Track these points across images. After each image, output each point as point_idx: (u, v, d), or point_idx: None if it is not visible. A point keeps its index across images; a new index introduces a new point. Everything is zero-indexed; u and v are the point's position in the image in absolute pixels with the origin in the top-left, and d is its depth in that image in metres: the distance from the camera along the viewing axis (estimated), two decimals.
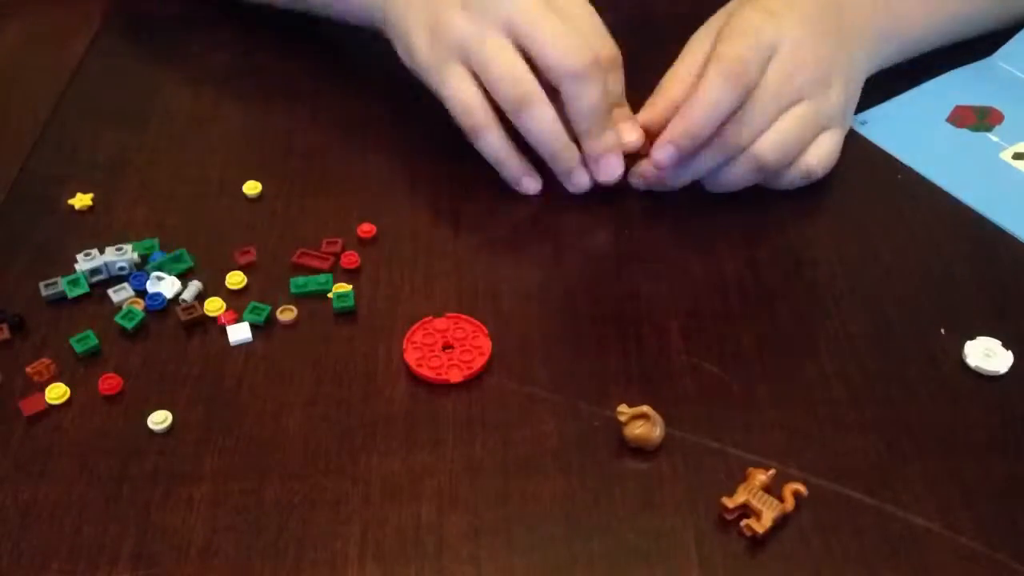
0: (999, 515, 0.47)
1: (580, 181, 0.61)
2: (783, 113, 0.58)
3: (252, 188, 0.63)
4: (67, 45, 0.76)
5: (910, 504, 0.47)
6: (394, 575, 0.45)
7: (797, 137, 0.59)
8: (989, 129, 0.67)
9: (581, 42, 0.57)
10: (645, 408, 0.49)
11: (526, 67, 0.57)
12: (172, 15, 0.78)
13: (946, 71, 0.71)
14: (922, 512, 0.47)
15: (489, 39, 0.57)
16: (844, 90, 0.61)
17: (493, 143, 0.60)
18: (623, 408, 0.49)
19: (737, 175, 0.59)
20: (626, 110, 0.61)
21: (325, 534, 0.46)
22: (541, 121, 0.58)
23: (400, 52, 0.63)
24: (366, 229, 0.60)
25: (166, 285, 0.56)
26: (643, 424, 0.49)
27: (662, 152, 0.57)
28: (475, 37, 0.58)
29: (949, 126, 0.67)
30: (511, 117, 0.59)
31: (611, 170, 0.60)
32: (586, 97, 0.57)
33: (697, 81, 0.57)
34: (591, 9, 0.61)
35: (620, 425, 0.49)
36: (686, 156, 0.58)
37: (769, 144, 0.58)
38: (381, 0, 0.64)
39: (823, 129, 0.60)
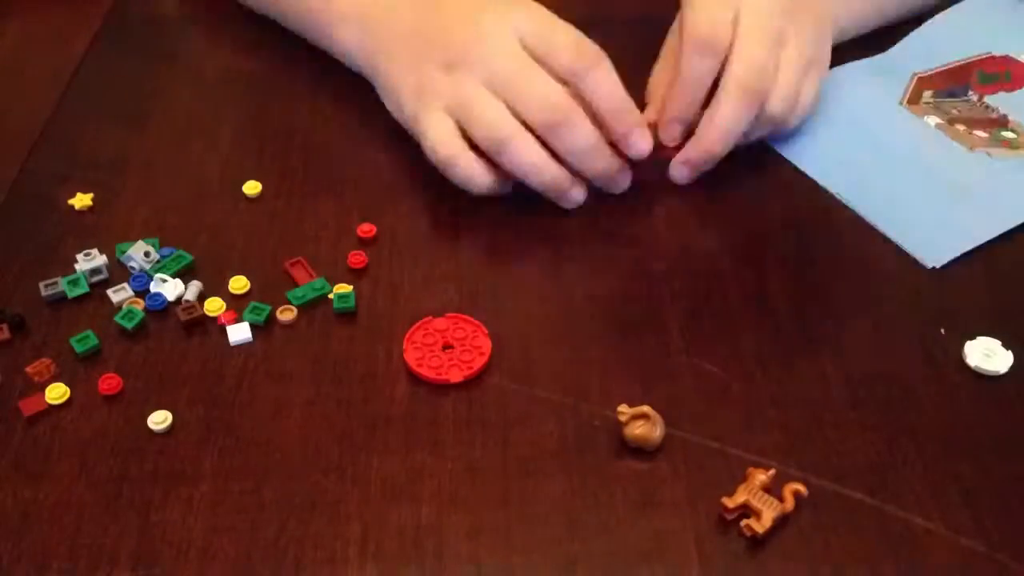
0: (999, 515, 0.47)
1: (576, 197, 0.61)
2: (778, 56, 0.60)
3: (252, 188, 0.63)
4: (67, 45, 0.76)
5: (910, 504, 0.47)
6: (394, 575, 0.45)
7: (796, 83, 0.61)
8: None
9: (559, 96, 0.57)
10: (645, 408, 0.49)
11: (507, 112, 0.57)
12: (172, 15, 0.78)
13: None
14: (922, 512, 0.47)
15: (473, 96, 0.58)
16: (816, 27, 0.63)
17: (471, 168, 0.59)
18: (623, 408, 0.49)
19: (758, 129, 0.62)
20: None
21: (325, 534, 0.46)
22: (526, 155, 0.58)
23: (389, 107, 0.65)
24: (366, 229, 0.60)
25: (169, 288, 0.56)
26: (643, 424, 0.49)
27: (670, 130, 0.61)
28: (458, 95, 0.58)
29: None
30: (494, 156, 0.59)
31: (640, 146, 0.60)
32: (568, 142, 0.58)
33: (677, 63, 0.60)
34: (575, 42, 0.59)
35: (620, 425, 0.49)
36: (688, 129, 0.61)
37: (778, 99, 0.60)
38: (371, 57, 0.65)
39: (808, 71, 0.62)
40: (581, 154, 0.59)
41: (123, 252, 0.58)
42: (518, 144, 0.58)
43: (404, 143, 0.67)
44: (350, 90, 0.71)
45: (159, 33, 0.78)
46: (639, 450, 0.49)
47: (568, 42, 0.58)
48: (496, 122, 0.58)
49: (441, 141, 0.59)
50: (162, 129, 0.69)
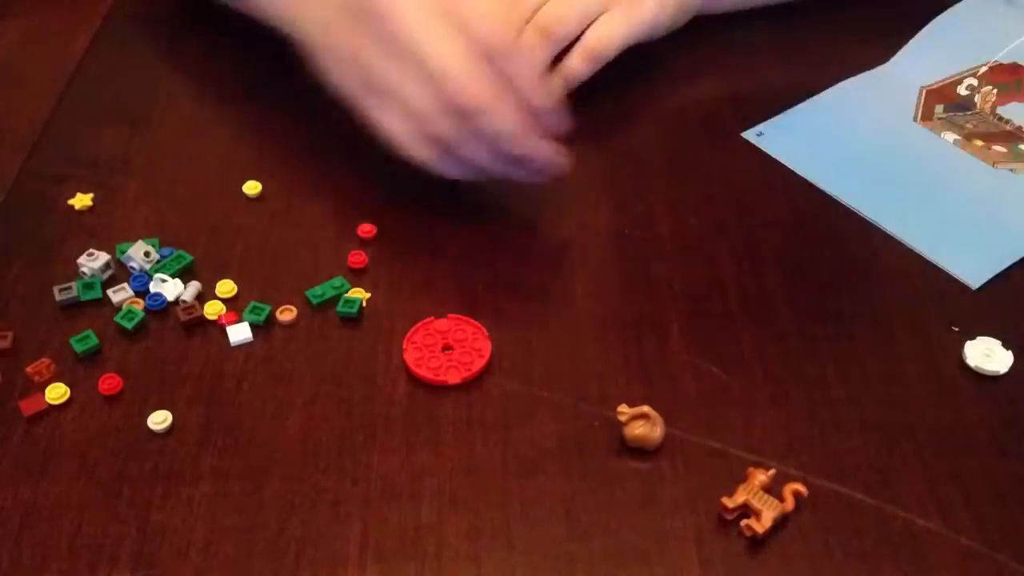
0: (999, 515, 0.47)
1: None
2: None
3: (252, 188, 0.63)
4: (67, 45, 0.75)
5: (910, 504, 0.47)
6: (394, 575, 0.45)
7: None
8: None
9: (464, 79, 0.54)
10: (645, 408, 0.49)
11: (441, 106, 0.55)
12: (172, 15, 0.78)
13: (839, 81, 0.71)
14: (922, 512, 0.47)
15: (407, 90, 0.55)
16: None
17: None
18: (623, 408, 0.49)
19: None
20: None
21: (325, 534, 0.46)
22: (471, 159, 0.56)
23: (314, 70, 0.60)
24: (366, 229, 0.60)
25: (169, 288, 0.56)
26: (643, 424, 0.49)
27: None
28: (392, 86, 0.55)
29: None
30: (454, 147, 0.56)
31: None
32: (493, 125, 0.55)
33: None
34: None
35: (620, 425, 0.49)
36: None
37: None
38: (290, 14, 0.62)
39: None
40: (506, 139, 0.55)
41: (123, 252, 0.58)
42: (460, 150, 0.56)
43: None
44: None
45: (159, 33, 0.78)
46: (639, 450, 0.49)
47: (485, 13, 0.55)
48: (433, 122, 0.55)
49: (402, 144, 0.57)
50: (162, 129, 0.69)
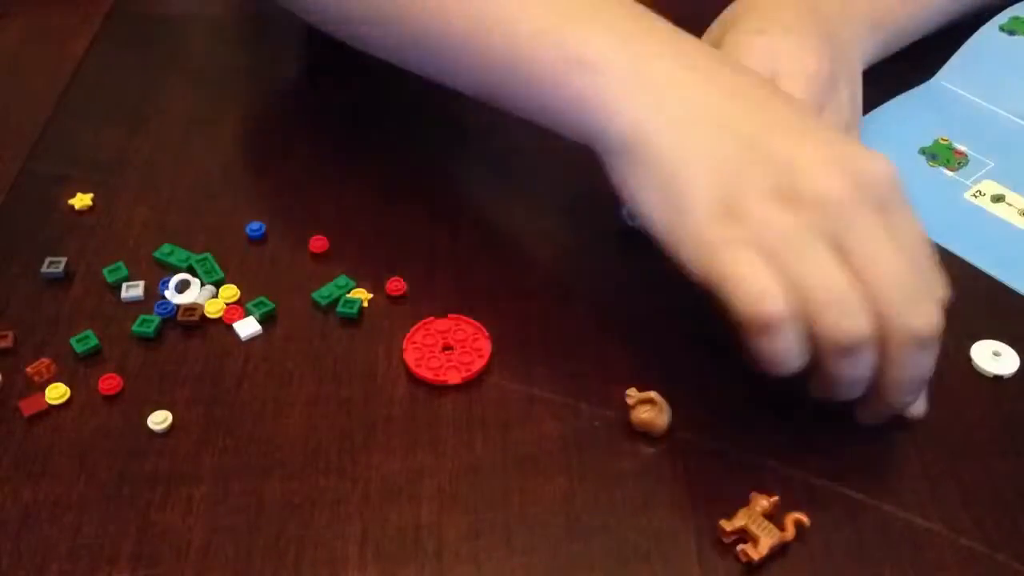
0: (999, 515, 0.47)
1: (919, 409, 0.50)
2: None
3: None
4: (67, 45, 0.76)
5: (910, 504, 0.47)
6: (394, 575, 0.45)
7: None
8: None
9: (928, 295, 0.45)
10: (652, 394, 0.49)
11: (859, 297, 0.43)
12: (172, 15, 0.78)
13: (883, 96, 0.68)
14: (922, 512, 0.47)
15: (811, 247, 0.44)
16: (848, 86, 0.61)
17: (790, 340, 0.45)
18: (631, 391, 0.50)
19: None
20: None
21: (325, 534, 0.46)
22: (862, 368, 0.45)
23: (637, 197, 0.49)
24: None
25: (192, 292, 0.56)
26: (649, 409, 0.49)
27: None
28: (794, 240, 0.44)
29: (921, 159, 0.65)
30: (830, 355, 0.45)
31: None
32: (920, 367, 0.46)
33: None
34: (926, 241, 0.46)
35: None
36: None
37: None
38: (623, 124, 0.48)
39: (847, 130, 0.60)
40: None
41: (165, 254, 0.58)
42: (865, 354, 0.44)
43: (406, 143, 0.67)
44: (351, 89, 0.71)
45: (159, 33, 0.78)
46: (639, 451, 0.49)
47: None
48: (852, 315, 0.43)
49: (762, 296, 0.44)
50: (162, 129, 0.69)
